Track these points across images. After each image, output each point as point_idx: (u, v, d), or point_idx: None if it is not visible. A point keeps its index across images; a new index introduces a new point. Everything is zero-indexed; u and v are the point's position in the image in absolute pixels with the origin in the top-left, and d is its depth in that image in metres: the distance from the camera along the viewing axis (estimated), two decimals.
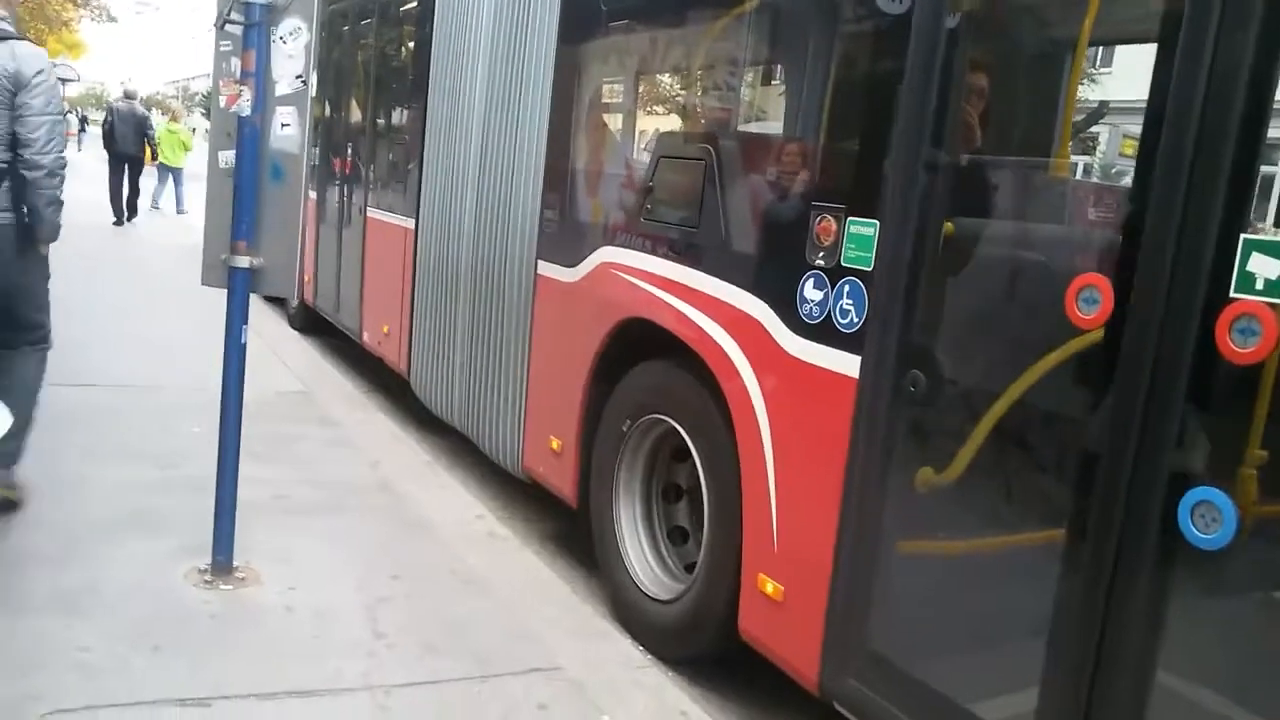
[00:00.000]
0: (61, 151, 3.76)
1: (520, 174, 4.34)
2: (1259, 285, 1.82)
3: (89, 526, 3.72)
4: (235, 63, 3.24)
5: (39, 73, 3.66)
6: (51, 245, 3.90)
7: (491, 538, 4.16)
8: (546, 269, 4.15)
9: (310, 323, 8.16)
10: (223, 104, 3.29)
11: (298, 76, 3.29)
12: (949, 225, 2.53)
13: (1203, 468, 1.93)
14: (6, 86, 3.59)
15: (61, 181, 3.79)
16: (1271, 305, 1.81)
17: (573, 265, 3.96)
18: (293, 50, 3.27)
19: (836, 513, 2.66)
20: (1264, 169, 2.03)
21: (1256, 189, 1.99)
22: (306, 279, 7.99)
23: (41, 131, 3.66)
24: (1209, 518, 1.87)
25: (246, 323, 3.38)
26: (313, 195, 7.90)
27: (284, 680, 2.87)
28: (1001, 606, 2.44)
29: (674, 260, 3.38)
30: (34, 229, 3.76)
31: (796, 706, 3.13)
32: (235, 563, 3.46)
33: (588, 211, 4.09)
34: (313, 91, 3.51)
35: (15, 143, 3.65)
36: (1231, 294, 1.85)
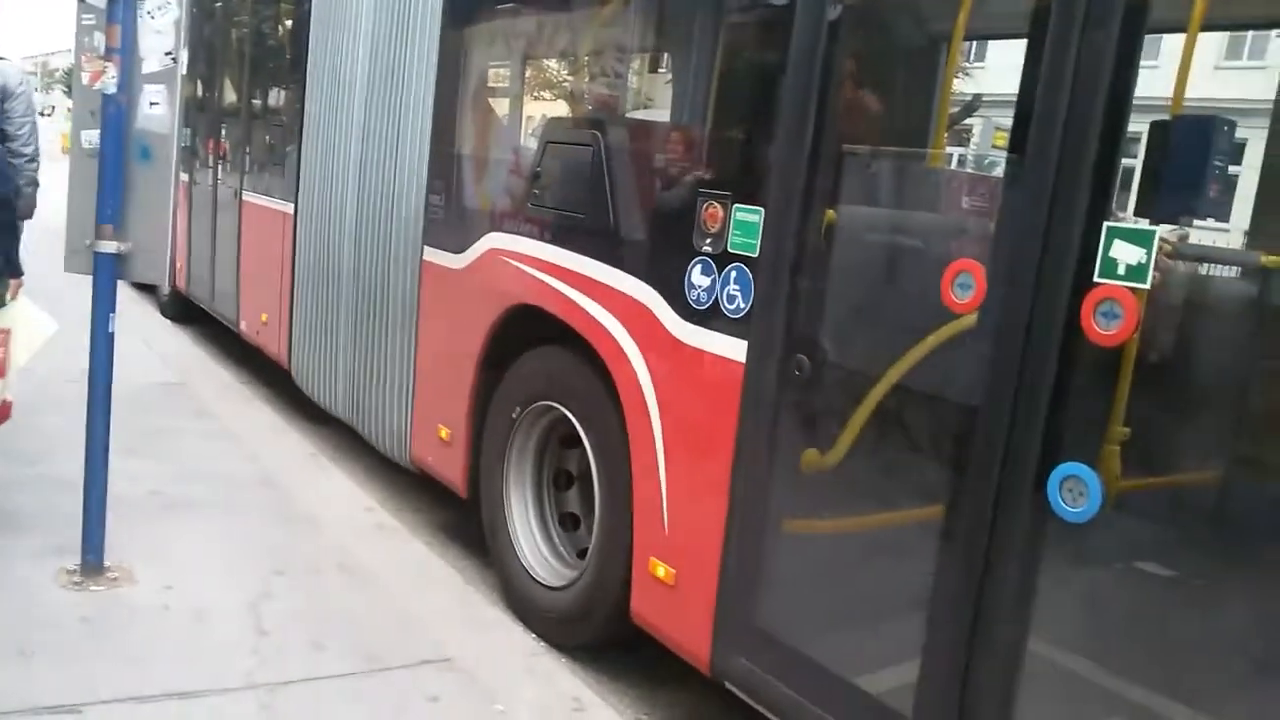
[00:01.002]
0: (38, 144, 4.98)
1: (405, 158, 4.25)
2: (1121, 270, 1.92)
3: None
4: (99, 37, 3.08)
5: (21, 84, 4.92)
6: None
7: (380, 530, 4.08)
8: (433, 255, 4.08)
9: (184, 311, 7.84)
10: (86, 81, 3.13)
11: (167, 53, 3.14)
12: (831, 213, 2.60)
13: (1070, 444, 2.02)
14: None
15: (38, 167, 5.00)
16: (1132, 289, 1.91)
17: (460, 251, 3.91)
18: (161, 25, 3.12)
19: (725, 495, 2.70)
20: (1126, 161, 2.14)
21: (1118, 179, 2.09)
22: (179, 265, 7.67)
23: (26, 129, 4.91)
24: (1076, 491, 1.97)
25: (114, 310, 3.22)
26: (185, 178, 7.58)
27: (162, 682, 2.76)
28: (883, 582, 2.53)
29: (562, 246, 3.37)
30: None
31: (688, 688, 3.18)
32: (107, 562, 3.31)
33: (474, 197, 4.04)
34: (184, 70, 3.37)
35: (3, 137, 4.77)
36: (1095, 279, 1.95)
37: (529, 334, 3.57)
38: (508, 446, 3.69)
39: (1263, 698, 1.92)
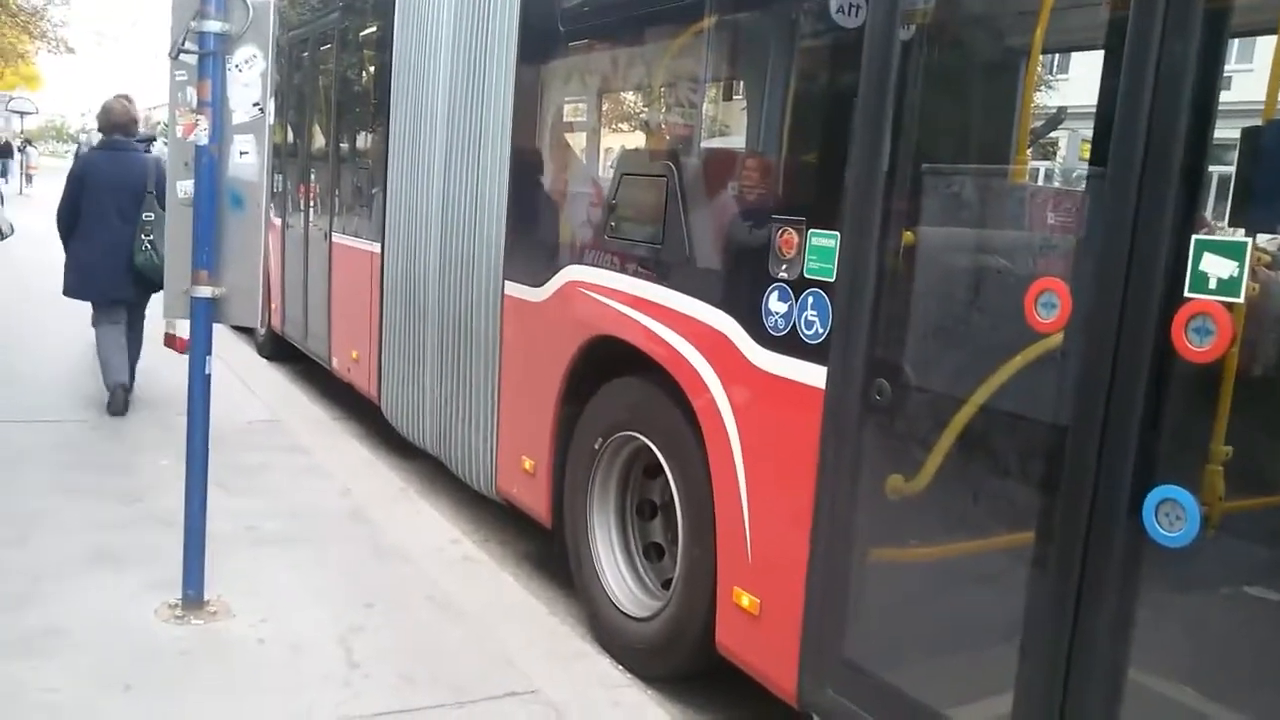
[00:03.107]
0: None
1: (484, 195, 4.33)
2: (1212, 285, 1.85)
3: (54, 565, 3.66)
4: (191, 92, 3.22)
5: None
6: None
7: (467, 561, 4.13)
8: (513, 289, 4.15)
9: (279, 350, 8.10)
10: (179, 134, 3.27)
11: (255, 104, 3.27)
12: (909, 234, 2.56)
13: (1165, 466, 1.95)
14: None
15: None
16: (1225, 304, 1.83)
17: (539, 285, 3.96)
18: (248, 79, 3.25)
19: (809, 523, 2.67)
20: (1222, 169, 2.06)
21: (1206, 190, 2.02)
22: (273, 307, 7.93)
23: None
24: (1173, 516, 1.89)
25: (210, 353, 3.35)
26: (277, 222, 7.86)
27: (258, 715, 2.83)
28: (974, 611, 2.45)
29: (640, 277, 3.39)
30: None
31: (780, 717, 3.12)
32: (206, 596, 3.42)
33: (553, 231, 4.09)
34: (271, 119, 3.50)
35: None
36: (1186, 294, 1.87)
37: (609, 365, 3.59)
38: (590, 477, 3.70)
39: None
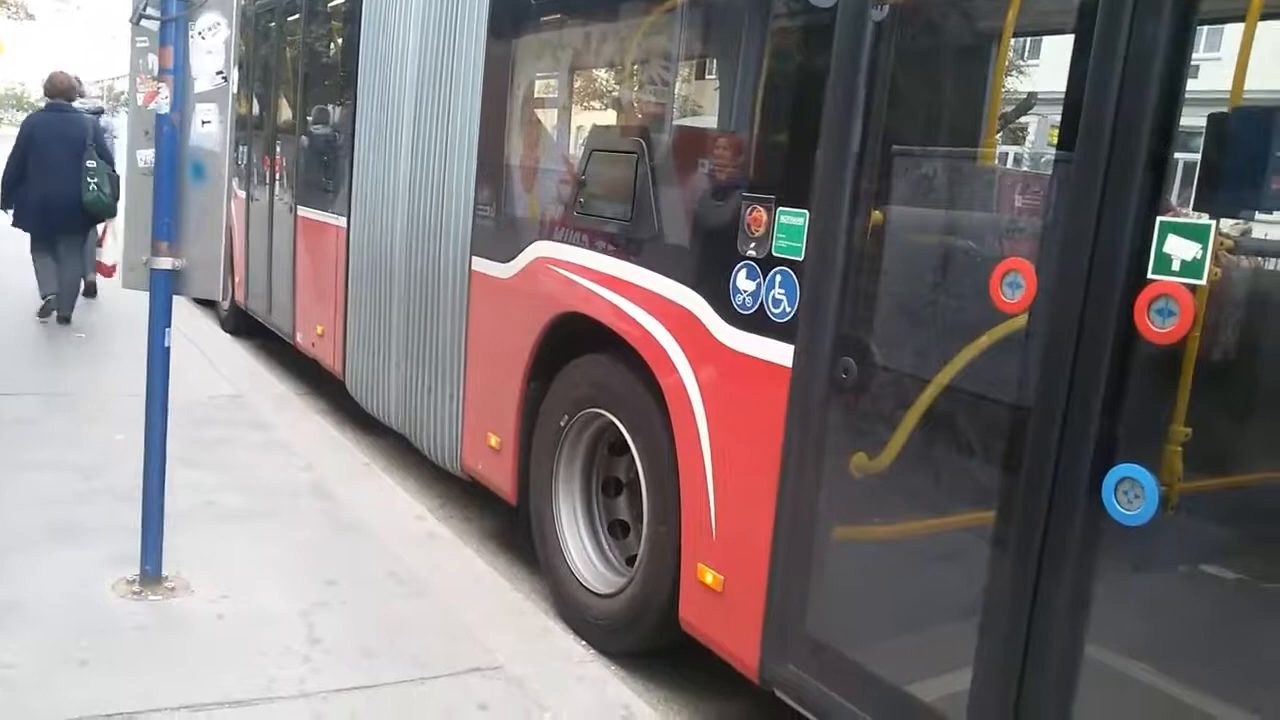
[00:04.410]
0: None
1: (452, 170, 4.29)
2: (1175, 267, 1.87)
3: (10, 539, 3.60)
4: (152, 59, 3.15)
5: None
6: None
7: (431, 538, 4.11)
8: (481, 265, 4.11)
9: (243, 325, 8.00)
10: (140, 101, 3.20)
11: (218, 73, 3.21)
12: (877, 214, 2.56)
13: (1125, 446, 1.97)
14: None
15: None
16: (1187, 286, 1.85)
17: (507, 261, 3.93)
18: (212, 46, 3.18)
19: (773, 501, 2.68)
20: (1188, 156, 2.08)
21: (1172, 175, 2.03)
22: (237, 280, 7.83)
23: None
24: (1132, 494, 1.92)
25: (169, 325, 3.29)
26: (241, 194, 7.74)
27: (216, 691, 2.80)
28: (935, 588, 2.48)
29: (608, 254, 3.37)
30: None
31: (738, 696, 3.14)
32: (164, 572, 3.37)
33: (521, 207, 4.06)
34: (235, 88, 3.43)
35: None
36: (1149, 275, 1.89)
37: (577, 342, 3.58)
38: (556, 454, 3.70)
39: None
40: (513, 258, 3.90)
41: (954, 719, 2.24)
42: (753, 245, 2.76)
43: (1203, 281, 1.84)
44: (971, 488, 2.36)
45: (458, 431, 4.29)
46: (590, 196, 3.55)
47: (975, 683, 2.21)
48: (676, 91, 3.74)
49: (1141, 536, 1.95)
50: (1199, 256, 1.84)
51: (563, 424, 3.64)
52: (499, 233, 4.05)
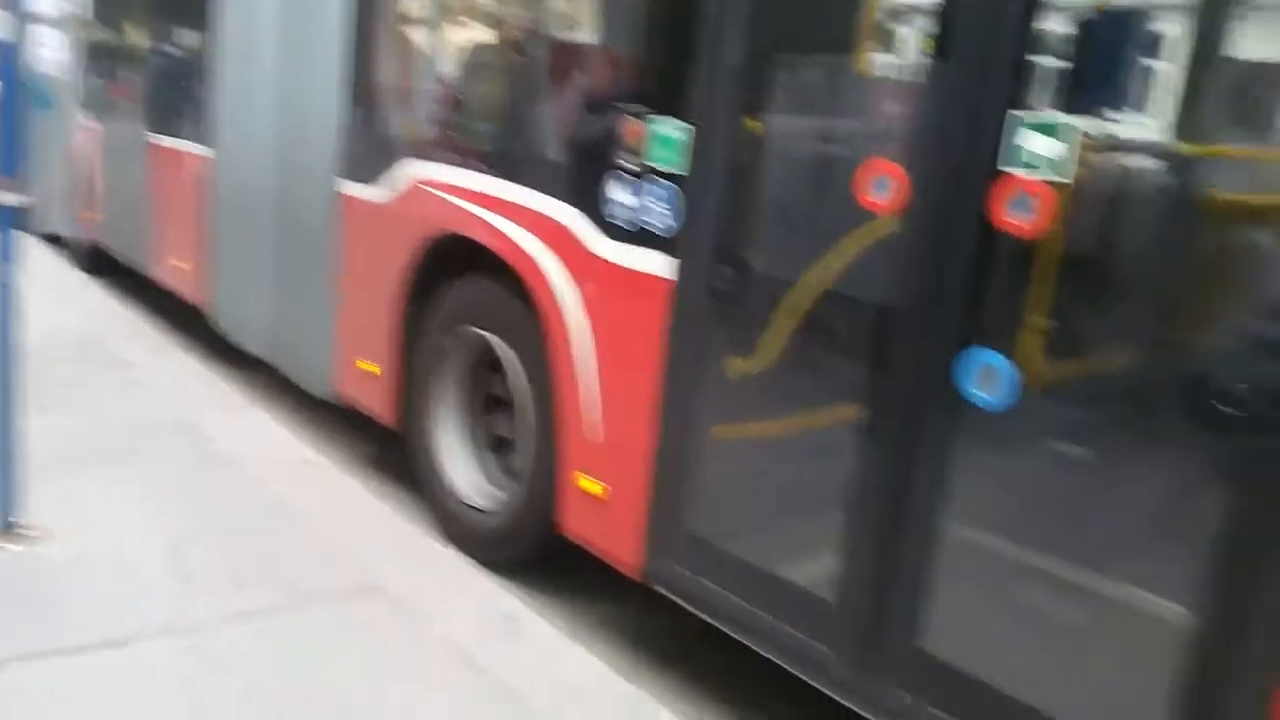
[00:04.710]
0: None
1: (319, 91, 4.14)
2: (1031, 161, 1.96)
3: None
4: None
5: None
6: None
7: (306, 466, 4.03)
8: (351, 188, 4.00)
9: (100, 263, 7.53)
10: None
11: None
12: (753, 123, 2.61)
13: (985, 334, 2.07)
14: None
15: None
16: (1045, 180, 1.95)
17: (378, 183, 3.84)
18: None
19: (653, 409, 2.73)
20: (1045, 59, 2.17)
21: (1031, 75, 2.12)
22: (92, 216, 7.38)
23: None
24: (990, 380, 2.03)
25: (10, 261, 3.06)
26: (96, 125, 7.25)
27: (84, 635, 2.68)
28: (809, 480, 2.58)
29: (482, 171, 3.33)
30: None
31: (625, 598, 3.22)
32: (23, 520, 3.20)
33: (391, 127, 3.96)
34: (86, 11, 3.20)
35: None
36: (1005, 170, 1.99)
37: (452, 263, 3.53)
38: (435, 375, 3.66)
39: (1176, 569, 1.99)
40: (383, 180, 3.81)
41: (827, 598, 2.35)
42: (629, 158, 2.77)
43: (1060, 177, 1.93)
44: (842, 383, 2.45)
45: (332, 357, 4.20)
46: (462, 114, 3.49)
47: (846, 565, 2.32)
48: (550, 5, 3.69)
49: (1001, 420, 2.07)
50: (1056, 152, 1.94)
51: (441, 346, 3.61)
52: (368, 154, 3.94)
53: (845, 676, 2.31)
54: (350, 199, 4.00)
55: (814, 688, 2.41)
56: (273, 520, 3.49)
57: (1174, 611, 1.89)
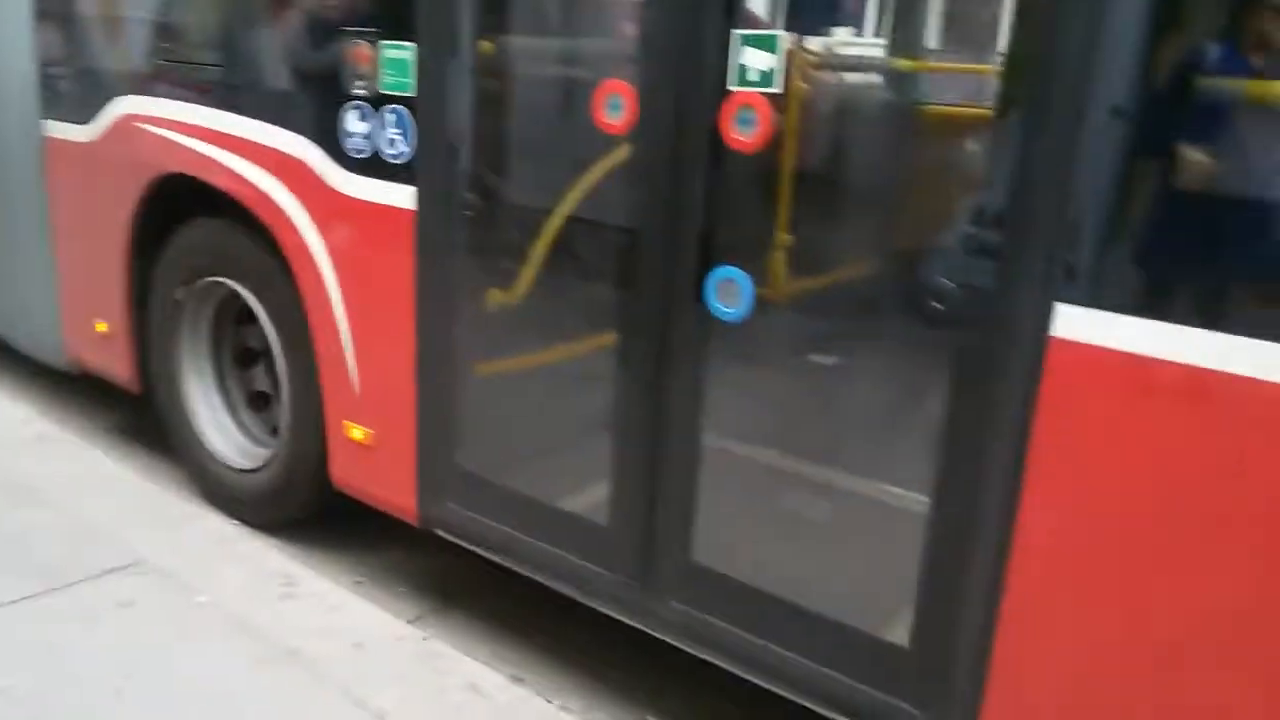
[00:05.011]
0: None
1: (9, 23, 3.66)
2: (752, 77, 1.99)
3: None
4: None
5: None
6: None
7: (42, 441, 3.69)
8: (57, 129, 3.60)
9: None
10: None
11: None
12: (486, 44, 2.51)
13: (723, 250, 2.11)
14: None
15: None
16: (765, 94, 1.98)
17: (88, 122, 3.46)
18: None
19: (413, 347, 2.65)
20: None
21: None
22: None
23: None
24: (730, 293, 2.08)
25: None
26: None
27: None
28: (572, 406, 2.60)
29: (205, 105, 3.06)
30: None
31: (404, 545, 3.16)
32: None
33: (98, 59, 3.56)
34: None
35: None
36: (730, 87, 2.00)
37: (183, 206, 3.26)
38: (177, 331, 3.41)
39: (910, 461, 2.14)
40: (94, 118, 3.44)
41: (599, 522, 2.39)
42: (361, 84, 2.62)
43: (778, 89, 1.96)
44: (596, 307, 2.45)
45: (56, 321, 3.82)
46: (178, 41, 3.18)
47: (616, 488, 2.36)
48: None
49: (745, 332, 2.14)
50: (773, 66, 1.97)
51: (179, 298, 3.35)
52: (76, 91, 3.54)
53: (624, 595, 2.36)
54: (59, 142, 3.60)
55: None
56: (13, 502, 3.19)
57: (911, 500, 2.05)
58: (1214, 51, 1.56)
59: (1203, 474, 1.57)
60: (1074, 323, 1.64)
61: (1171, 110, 1.56)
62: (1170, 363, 1.56)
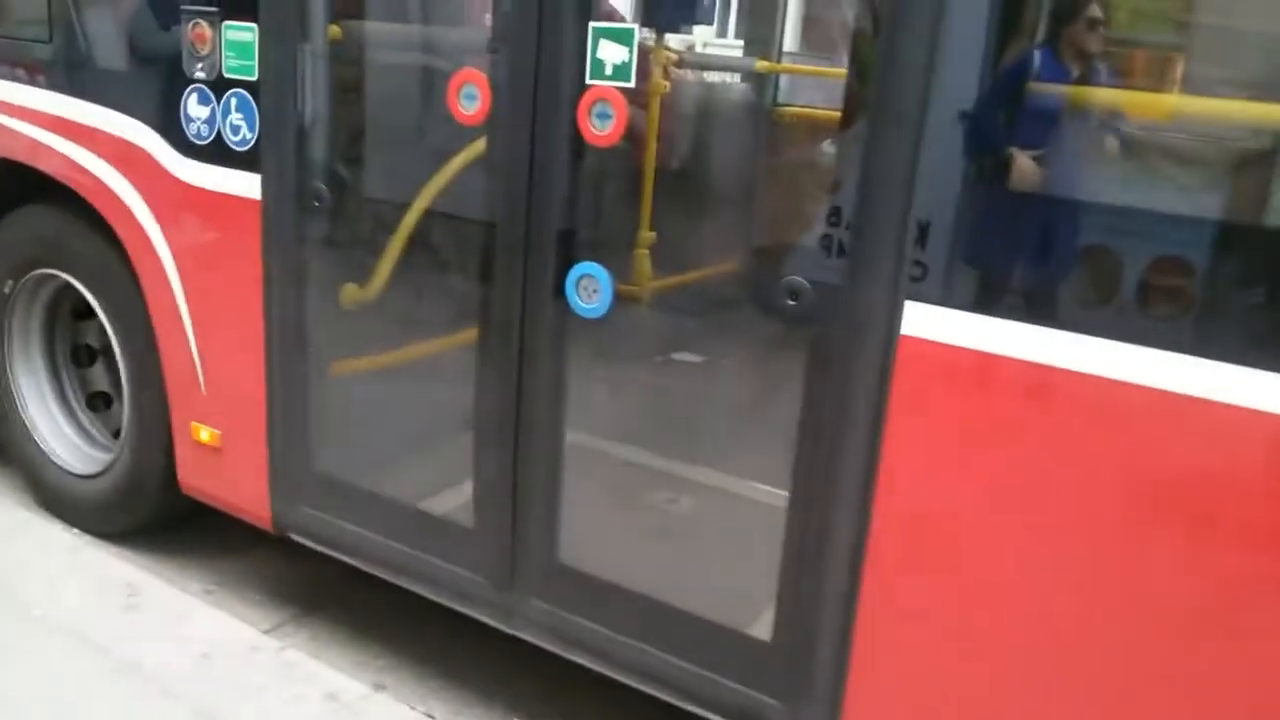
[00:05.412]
0: None
1: None
2: (608, 71, 1.96)
3: None
4: None
5: None
6: None
7: None
8: None
9: None
10: None
11: None
12: (334, 28, 2.41)
13: (583, 246, 2.08)
14: None
15: None
16: (620, 88, 1.95)
17: None
18: None
19: (263, 345, 2.53)
20: None
21: None
22: None
23: None
24: (590, 289, 2.05)
25: None
26: None
27: None
28: (433, 405, 2.53)
29: (28, 84, 2.85)
30: None
31: (256, 549, 3.03)
32: None
33: None
34: None
35: None
36: (587, 81, 1.97)
37: (11, 191, 3.03)
38: (5, 327, 3.18)
39: (773, 456, 2.16)
40: None
41: (464, 523, 2.33)
42: (201, 67, 2.48)
43: (624, 82, 1.93)
44: (455, 304, 2.39)
45: None
46: (3, 16, 2.95)
47: (478, 487, 2.31)
48: None
49: (606, 329, 2.11)
50: (627, 60, 1.94)
51: (6, 291, 3.12)
52: None
53: (487, 596, 2.32)
54: None
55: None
56: None
57: (773, 495, 2.06)
58: (1039, 59, 1.62)
59: (1043, 467, 1.63)
60: (922, 320, 1.67)
61: (1004, 115, 1.61)
62: (1010, 359, 1.61)
